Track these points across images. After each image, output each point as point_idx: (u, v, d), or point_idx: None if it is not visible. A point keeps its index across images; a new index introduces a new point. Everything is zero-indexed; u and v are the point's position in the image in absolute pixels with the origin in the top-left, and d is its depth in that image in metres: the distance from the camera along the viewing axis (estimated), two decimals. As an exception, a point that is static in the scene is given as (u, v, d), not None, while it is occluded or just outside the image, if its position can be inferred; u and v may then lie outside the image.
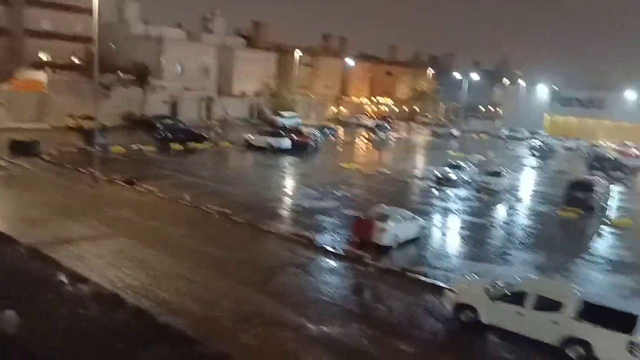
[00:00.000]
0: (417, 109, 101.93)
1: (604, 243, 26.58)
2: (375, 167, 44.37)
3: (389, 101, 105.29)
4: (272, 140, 48.21)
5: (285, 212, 28.18)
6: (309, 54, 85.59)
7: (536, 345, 14.82)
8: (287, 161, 43.73)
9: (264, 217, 25.71)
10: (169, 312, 15.23)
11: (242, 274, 18.78)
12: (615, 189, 39.66)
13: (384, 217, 22.50)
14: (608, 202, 34.61)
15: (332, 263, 20.88)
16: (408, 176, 41.48)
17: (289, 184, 36.35)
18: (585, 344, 14.11)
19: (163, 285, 17.15)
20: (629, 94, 77.86)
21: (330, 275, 19.73)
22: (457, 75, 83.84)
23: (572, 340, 14.31)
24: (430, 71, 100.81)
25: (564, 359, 14.37)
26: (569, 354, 14.31)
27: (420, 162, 51.24)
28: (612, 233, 28.37)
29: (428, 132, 79.32)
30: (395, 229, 22.40)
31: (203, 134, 49.19)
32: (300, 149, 48.45)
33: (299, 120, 68.00)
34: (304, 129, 56.80)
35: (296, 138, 49.74)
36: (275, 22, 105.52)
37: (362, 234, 22.40)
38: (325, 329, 15.33)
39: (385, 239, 22.03)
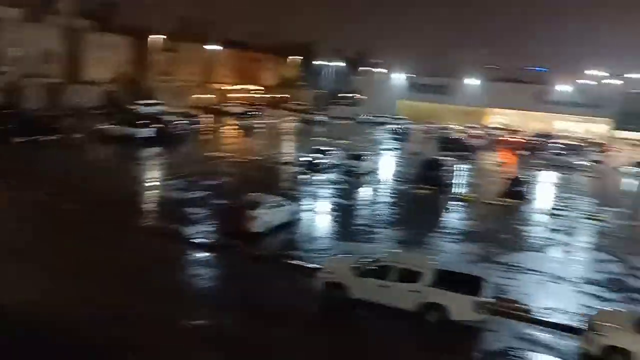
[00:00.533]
0: (285, 96, 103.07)
1: (454, 216, 29.44)
2: (245, 154, 44.16)
3: (257, 88, 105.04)
4: (131, 130, 44.99)
5: (150, 206, 26.97)
6: (171, 39, 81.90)
7: (400, 314, 16.07)
8: (149, 152, 41.61)
9: (127, 212, 24.36)
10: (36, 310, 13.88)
11: (109, 272, 17.67)
12: (462, 167, 43.95)
13: (254, 205, 22.57)
14: (455, 179, 38.30)
15: (203, 255, 20.53)
16: (278, 162, 41.93)
17: (153, 175, 34.73)
18: (440, 308, 15.60)
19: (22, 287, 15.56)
20: (469, 81, 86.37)
21: (201, 268, 19.39)
22: (320, 63, 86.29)
23: (429, 306, 15.73)
24: (295, 58, 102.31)
25: (423, 324, 15.77)
26: (427, 318, 15.72)
27: (289, 149, 52.03)
28: (461, 206, 31.51)
29: (296, 119, 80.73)
30: (266, 215, 22.60)
31: (52, 125, 44.48)
32: (164, 138, 46.17)
33: (162, 109, 64.84)
34: (168, 117, 54.39)
35: (159, 127, 47.37)
36: (133, 3, 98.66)
37: (233, 222, 22.28)
38: (199, 321, 15.09)
39: (257, 226, 22.13)
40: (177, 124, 52.02)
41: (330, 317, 16.50)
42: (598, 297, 18.62)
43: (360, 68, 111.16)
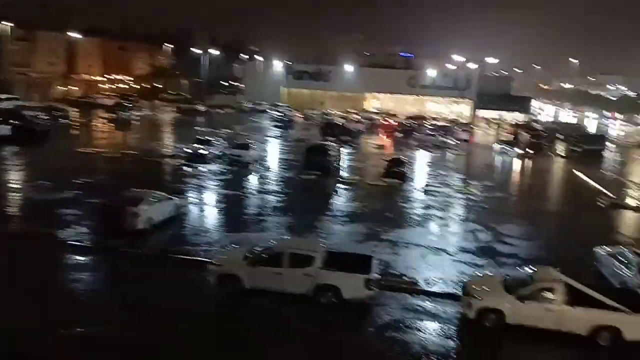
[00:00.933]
0: (159, 86, 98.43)
1: (340, 199, 30.33)
2: (120, 148, 41.53)
3: (127, 78, 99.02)
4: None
5: (16, 209, 24.36)
6: (25, 27, 73.98)
7: (295, 298, 16.22)
8: (7, 151, 37.43)
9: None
10: None
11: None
12: (345, 151, 45.36)
13: (135, 201, 21.36)
14: (340, 163, 39.43)
15: (81, 258, 19.02)
16: (157, 156, 40.02)
17: (15, 177, 31.26)
18: (334, 289, 16.02)
19: None
20: (346, 67, 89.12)
21: (82, 271, 17.95)
22: (196, 51, 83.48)
23: (322, 288, 16.09)
24: (167, 47, 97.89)
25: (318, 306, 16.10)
26: (322, 300, 16.06)
27: (168, 140, 49.88)
28: (346, 189, 32.54)
29: (173, 109, 77.55)
30: (149, 211, 21.53)
31: None
32: (24, 135, 41.55)
33: (18, 103, 58.50)
34: (28, 113, 49.27)
35: (17, 124, 42.61)
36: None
37: (113, 221, 20.89)
38: (82, 329, 13.97)
39: (139, 223, 21.01)
40: (39, 119, 47.36)
41: (226, 309, 16.17)
42: (472, 264, 20.33)
43: (238, 56, 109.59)
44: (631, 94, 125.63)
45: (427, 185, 34.30)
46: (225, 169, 36.40)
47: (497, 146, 53.49)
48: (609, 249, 20.03)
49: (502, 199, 32.47)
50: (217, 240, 21.46)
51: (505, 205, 30.99)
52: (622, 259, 18.39)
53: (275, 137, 56.67)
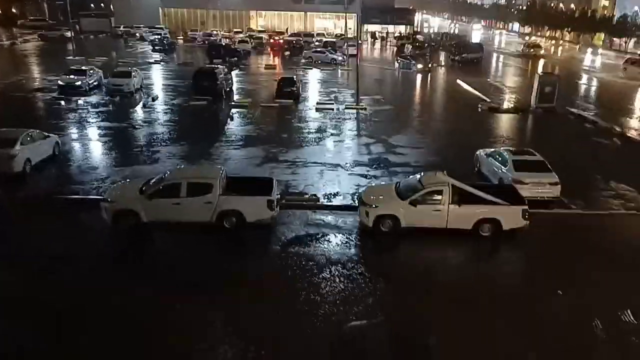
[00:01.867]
0: (15, 11, 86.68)
1: (234, 123, 29.66)
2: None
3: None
4: None
5: None
6: None
7: (196, 226, 16.04)
8: None
9: None
10: None
11: None
12: (234, 74, 43.88)
13: (8, 142, 19.34)
14: (230, 86, 38.20)
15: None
16: (25, 90, 36.05)
17: None
18: (236, 214, 16.02)
19: None
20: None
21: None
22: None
23: (225, 213, 16.02)
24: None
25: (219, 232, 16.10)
26: (226, 225, 16.04)
27: (35, 72, 44.88)
28: (238, 112, 31.82)
29: (35, 37, 69.30)
30: (25, 152, 19.69)
31: None
32: None
33: None
34: None
35: None
36: None
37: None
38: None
39: (17, 166, 19.20)
40: None
41: (126, 246, 15.61)
42: (367, 176, 21.24)
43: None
44: (502, 2, 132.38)
45: (319, 103, 34.52)
46: (105, 100, 33.81)
47: (397, 61, 54.78)
48: (487, 150, 21.82)
49: (391, 112, 33.69)
50: (106, 177, 20.27)
51: (394, 117, 32.24)
52: (499, 158, 20.17)
53: (157, 62, 53.14)
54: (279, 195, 17.17)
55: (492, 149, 21.98)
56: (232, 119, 30.46)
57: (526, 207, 15.98)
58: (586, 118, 32.39)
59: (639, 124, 32.03)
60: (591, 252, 15.52)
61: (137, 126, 28.44)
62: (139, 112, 31.74)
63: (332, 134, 27.68)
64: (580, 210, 18.35)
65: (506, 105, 36.32)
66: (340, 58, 54.72)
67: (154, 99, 34.53)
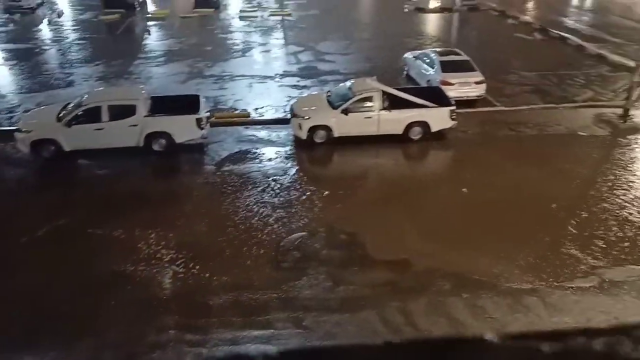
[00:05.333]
0: None
1: (152, 37, 27.77)
2: None
3: None
4: None
5: None
6: None
7: (123, 151, 15.39)
8: None
9: None
10: None
11: None
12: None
13: None
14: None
15: None
16: None
17: None
18: (165, 135, 15.42)
19: None
20: None
21: None
22: None
23: (152, 135, 15.37)
24: None
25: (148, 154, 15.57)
26: (155, 148, 15.46)
27: None
28: (156, 25, 29.73)
29: None
30: None
31: None
32: None
33: None
34: None
35: None
36: None
37: None
38: None
39: None
40: None
41: (50, 177, 14.82)
42: (297, 86, 20.85)
43: None
44: None
45: (242, 11, 32.78)
46: (3, 19, 30.43)
47: None
48: (415, 53, 21.82)
49: (316, 17, 32.60)
50: (17, 104, 18.75)
51: (321, 22, 31.27)
52: (426, 60, 20.27)
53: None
54: (208, 113, 16.61)
55: (420, 51, 21.99)
56: (149, 33, 28.48)
57: (453, 107, 16.39)
58: (506, 14, 32.80)
59: (556, 18, 32.91)
60: (509, 146, 16.38)
61: (44, 47, 26.03)
62: (44, 31, 28.95)
63: (258, 44, 26.62)
64: (503, 107, 19.07)
65: (431, 4, 35.98)
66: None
67: (59, 15, 31.45)
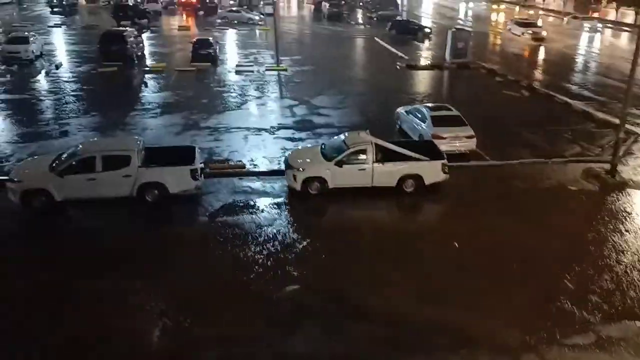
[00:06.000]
0: None
1: (149, 90, 28.24)
2: None
3: None
4: None
5: None
6: None
7: (115, 201, 15.30)
8: None
9: None
10: None
11: None
12: (144, 36, 41.48)
13: None
14: (141, 50, 36.14)
15: None
16: None
17: None
18: (158, 185, 15.37)
19: None
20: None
21: None
22: None
23: (147, 186, 15.34)
24: None
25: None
26: (148, 198, 15.39)
27: None
28: (152, 78, 30.30)
29: None
30: None
31: None
32: None
33: None
34: None
35: None
36: None
37: None
38: None
39: None
40: None
41: (39, 229, 14.63)
42: (292, 139, 21.11)
43: None
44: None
45: (238, 65, 33.59)
46: (1, 69, 30.93)
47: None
48: (407, 108, 22.32)
49: (311, 72, 33.44)
50: (10, 154, 18.74)
51: (316, 78, 32.05)
52: (418, 114, 20.71)
53: (58, 25, 49.07)
54: (203, 164, 16.69)
55: (412, 106, 22.50)
56: (146, 85, 28.98)
57: (445, 161, 16.63)
58: (496, 72, 33.85)
59: (541, 76, 34.01)
60: (500, 200, 16.50)
61: (41, 97, 26.34)
62: (41, 82, 29.37)
63: (254, 98, 27.11)
64: (494, 161, 19.35)
65: (423, 62, 37.17)
66: (257, 17, 53.20)
67: (57, 67, 32.01)
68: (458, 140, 19.18)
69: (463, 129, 19.47)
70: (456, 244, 13.79)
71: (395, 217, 16.08)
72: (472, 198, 16.67)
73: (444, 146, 17.97)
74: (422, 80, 32.45)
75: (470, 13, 71.56)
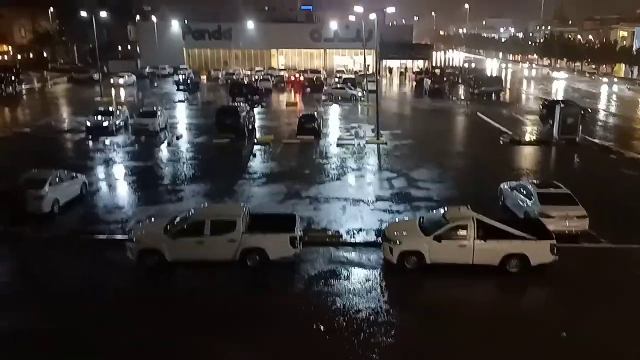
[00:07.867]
0: (45, 54, 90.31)
1: (256, 160, 30.01)
2: (10, 127, 38.05)
3: (6, 48, 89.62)
4: None
5: None
6: None
7: (217, 265, 16.06)
8: None
9: None
10: None
11: None
12: (256, 111, 44.62)
13: (37, 183, 19.84)
14: (252, 124, 38.82)
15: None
16: (55, 131, 37.23)
17: None
18: (259, 251, 16.02)
19: None
20: (250, 24, 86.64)
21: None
22: (83, 13, 76.86)
23: (249, 251, 16.03)
24: (51, 11, 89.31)
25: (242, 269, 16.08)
26: (249, 263, 16.02)
27: (65, 114, 46.34)
28: (261, 150, 32.22)
29: (65, 79, 71.86)
30: (54, 192, 20.16)
31: None
32: None
33: None
34: None
35: None
36: None
37: (14, 207, 19.26)
38: (-6, 327, 13.02)
39: (45, 207, 19.64)
40: None
41: (151, 285, 15.69)
42: (389, 210, 21.12)
43: (131, 17, 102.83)
44: (519, 34, 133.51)
45: (340, 139, 34.78)
46: (131, 139, 34.63)
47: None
48: (511, 183, 21.58)
49: (411, 146, 33.71)
50: (131, 216, 20.58)
51: (415, 151, 32.24)
52: (523, 191, 19.91)
53: (181, 101, 54.44)
54: (302, 232, 17.16)
55: (516, 182, 21.71)
56: (254, 156, 30.84)
57: (554, 241, 15.65)
58: (610, 149, 31.86)
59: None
60: (618, 289, 15.03)
61: (161, 165, 28.98)
62: (163, 151, 32.39)
63: (353, 169, 27.75)
64: (610, 244, 17.88)
65: (528, 137, 36.07)
66: (359, 94, 55.32)
67: (178, 138, 35.24)
68: (568, 219, 18.06)
69: (573, 207, 18.35)
70: (564, 334, 12.67)
71: (497, 299, 15.19)
72: (584, 283, 15.38)
73: (552, 225, 16.98)
74: (528, 156, 31.35)
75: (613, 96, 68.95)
